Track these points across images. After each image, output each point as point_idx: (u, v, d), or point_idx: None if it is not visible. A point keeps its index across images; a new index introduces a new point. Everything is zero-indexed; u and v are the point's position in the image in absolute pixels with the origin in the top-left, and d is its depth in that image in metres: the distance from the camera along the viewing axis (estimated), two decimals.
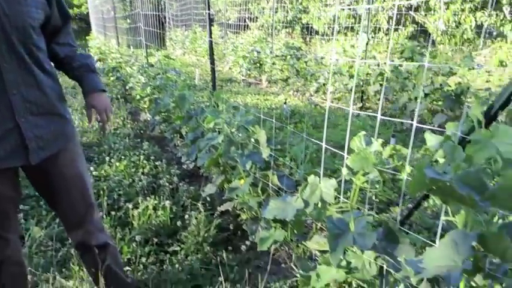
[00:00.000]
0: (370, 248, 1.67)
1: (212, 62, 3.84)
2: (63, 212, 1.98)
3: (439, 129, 1.62)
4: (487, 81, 9.04)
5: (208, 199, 3.54)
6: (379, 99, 6.92)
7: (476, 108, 1.26)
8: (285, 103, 6.19)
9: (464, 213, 1.43)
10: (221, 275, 2.39)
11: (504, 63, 10.31)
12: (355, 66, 6.64)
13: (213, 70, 3.84)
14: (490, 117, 1.33)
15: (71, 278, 2.55)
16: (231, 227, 3.20)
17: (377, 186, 1.85)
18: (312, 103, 7.18)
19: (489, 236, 1.29)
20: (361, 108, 7.20)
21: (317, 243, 2.02)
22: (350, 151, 1.90)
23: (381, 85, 6.77)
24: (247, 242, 2.91)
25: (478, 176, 1.09)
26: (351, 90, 7.30)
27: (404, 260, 1.40)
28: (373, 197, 3.46)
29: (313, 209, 2.11)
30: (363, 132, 1.88)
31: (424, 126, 1.54)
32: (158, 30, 7.51)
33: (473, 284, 1.48)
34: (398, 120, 1.80)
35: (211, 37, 3.79)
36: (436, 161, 1.57)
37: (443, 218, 1.51)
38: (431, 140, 1.43)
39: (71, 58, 1.97)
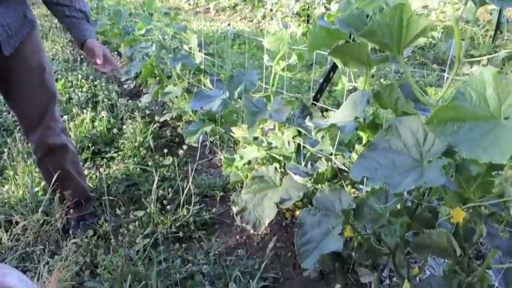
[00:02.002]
0: (284, 121, 1.77)
1: None
2: (25, 105, 1.94)
3: None
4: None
5: (147, 112, 3.55)
6: None
7: None
8: (229, 24, 6.13)
9: (363, 77, 1.54)
10: (156, 174, 2.46)
11: None
12: None
13: None
14: None
15: (6, 184, 2.57)
16: (168, 134, 3.24)
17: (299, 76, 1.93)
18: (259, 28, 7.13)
19: (382, 91, 1.40)
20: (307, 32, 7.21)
21: (241, 128, 2.11)
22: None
23: (326, 8, 6.78)
24: (185, 147, 2.98)
25: (360, 17, 1.16)
26: (297, 14, 7.29)
27: (310, 120, 1.50)
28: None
29: (238, 98, 2.18)
30: (280, 17, 1.92)
31: None
32: None
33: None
34: None
35: None
36: None
37: (347, 84, 1.62)
38: (334, 6, 1.49)
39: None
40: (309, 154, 1.91)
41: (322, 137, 1.84)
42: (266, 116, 1.77)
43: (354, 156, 1.73)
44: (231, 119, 2.52)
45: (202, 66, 2.86)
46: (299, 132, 1.95)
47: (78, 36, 1.91)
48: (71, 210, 2.27)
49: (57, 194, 2.20)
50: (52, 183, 2.11)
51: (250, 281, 1.76)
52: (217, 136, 2.98)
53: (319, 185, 1.79)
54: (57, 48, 5.93)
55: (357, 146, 1.71)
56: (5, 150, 2.78)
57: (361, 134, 1.57)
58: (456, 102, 0.94)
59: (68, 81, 4.17)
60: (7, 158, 2.70)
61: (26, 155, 2.74)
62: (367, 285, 1.86)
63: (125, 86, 4.35)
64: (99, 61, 1.87)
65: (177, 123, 3.41)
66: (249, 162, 2.16)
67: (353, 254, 1.79)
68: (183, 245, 2.14)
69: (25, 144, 2.80)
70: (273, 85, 2.02)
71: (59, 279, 1.86)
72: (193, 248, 2.13)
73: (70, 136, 3.07)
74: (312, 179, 1.63)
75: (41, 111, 1.97)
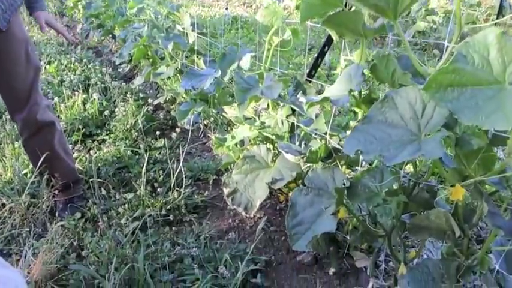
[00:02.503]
0: (277, 99, 1.69)
1: None
2: (13, 80, 1.91)
3: None
4: None
5: (141, 95, 3.47)
6: None
7: None
8: (226, 9, 6.02)
9: (359, 50, 1.46)
10: (147, 156, 2.38)
11: None
12: None
13: None
14: None
15: None
16: (162, 117, 3.16)
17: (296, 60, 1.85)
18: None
19: (379, 63, 1.31)
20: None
21: (233, 107, 2.03)
22: None
23: None
24: (178, 130, 2.91)
25: None
26: None
27: (302, 95, 1.42)
28: None
29: (231, 80, 2.10)
30: None
31: None
32: None
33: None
34: None
35: None
36: None
37: (343, 57, 1.54)
38: None
39: None
40: (303, 134, 1.84)
41: (317, 116, 1.77)
42: (257, 93, 1.69)
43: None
44: (224, 99, 2.43)
45: (195, 47, 2.77)
46: (293, 111, 1.87)
47: (30, 8, 2.02)
48: (59, 193, 2.20)
49: (45, 176, 2.14)
50: (39, 164, 2.05)
51: (240, 263, 1.69)
52: (211, 119, 2.90)
53: (313, 165, 1.71)
54: (52, 32, 5.83)
55: (351, 123, 1.63)
56: None
57: (356, 109, 1.49)
58: (457, 65, 0.86)
59: (61, 64, 4.08)
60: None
61: (14, 137, 2.67)
62: (362, 269, 1.79)
63: (119, 70, 4.27)
64: (44, 31, 2.08)
65: (171, 107, 3.33)
66: (242, 143, 2.09)
67: (348, 237, 1.72)
68: (174, 228, 2.07)
69: (14, 126, 2.73)
70: (266, 62, 1.94)
71: (44, 262, 1.80)
72: (184, 231, 2.06)
73: (60, 118, 3.00)
74: (305, 158, 1.55)
75: (28, 85, 1.95)
